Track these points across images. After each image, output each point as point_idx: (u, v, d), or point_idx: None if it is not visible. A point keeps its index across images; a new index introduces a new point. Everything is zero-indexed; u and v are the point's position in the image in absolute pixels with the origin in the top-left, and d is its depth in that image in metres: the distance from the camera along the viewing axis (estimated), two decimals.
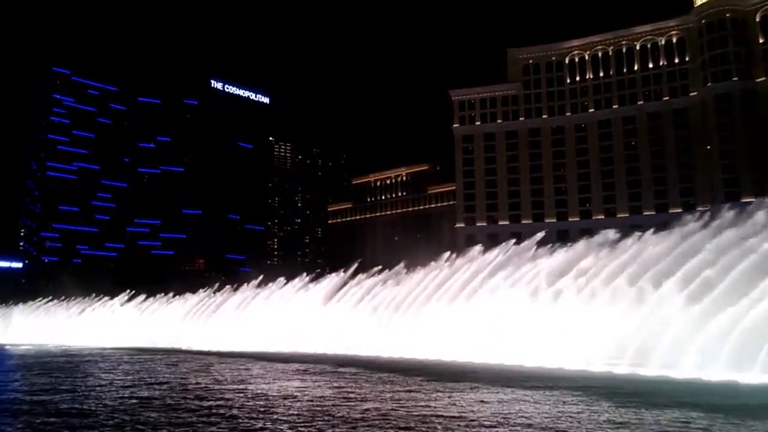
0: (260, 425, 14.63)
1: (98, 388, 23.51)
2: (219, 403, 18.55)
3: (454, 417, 15.59)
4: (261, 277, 67.49)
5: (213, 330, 64.91)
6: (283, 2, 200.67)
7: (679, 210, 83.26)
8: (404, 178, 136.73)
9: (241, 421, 15.17)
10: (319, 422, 14.93)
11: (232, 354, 49.08)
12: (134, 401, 19.62)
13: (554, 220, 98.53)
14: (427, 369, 29.41)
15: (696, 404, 16.80)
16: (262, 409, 17.22)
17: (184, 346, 64.35)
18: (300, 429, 14.08)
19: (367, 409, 16.62)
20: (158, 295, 75.88)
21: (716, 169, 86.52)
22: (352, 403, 17.97)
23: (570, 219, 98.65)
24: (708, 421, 14.59)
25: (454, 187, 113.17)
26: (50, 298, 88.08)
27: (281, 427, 14.35)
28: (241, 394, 20.65)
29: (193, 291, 73.64)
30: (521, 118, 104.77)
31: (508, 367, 29.71)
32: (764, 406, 17.43)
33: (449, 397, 19.11)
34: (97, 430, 14.70)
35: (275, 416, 15.84)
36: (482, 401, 18.38)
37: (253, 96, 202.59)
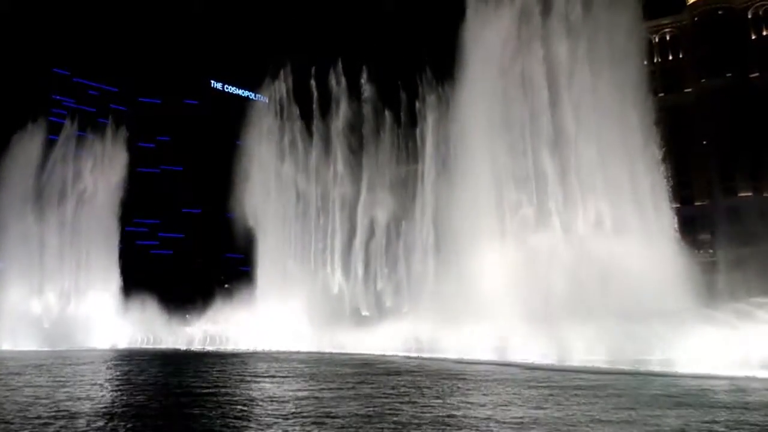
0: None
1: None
2: (215, 406, 18.84)
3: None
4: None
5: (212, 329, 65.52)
6: (283, 3, 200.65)
7: (678, 205, 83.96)
8: None
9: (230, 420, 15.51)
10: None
11: (232, 354, 49.51)
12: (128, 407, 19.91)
13: None
14: None
15: None
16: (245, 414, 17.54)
17: (182, 347, 64.90)
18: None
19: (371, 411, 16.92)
20: None
21: (712, 165, 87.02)
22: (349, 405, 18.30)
23: None
24: None
25: None
26: None
27: None
28: (237, 397, 21.06)
29: (192, 290, 74.66)
30: None
31: None
32: None
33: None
34: None
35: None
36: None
37: (252, 96, 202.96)
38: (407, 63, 70.81)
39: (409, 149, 69.60)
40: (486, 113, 44.04)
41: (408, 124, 67.92)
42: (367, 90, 69.74)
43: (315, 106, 72.20)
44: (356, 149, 69.80)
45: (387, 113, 69.25)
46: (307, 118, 73.16)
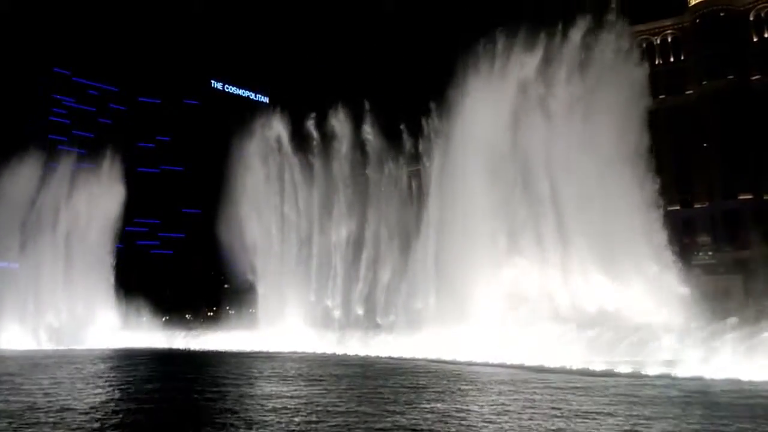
0: None
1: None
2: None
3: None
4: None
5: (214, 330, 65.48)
6: (284, 3, 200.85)
7: (677, 207, 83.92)
8: None
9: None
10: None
11: (235, 354, 49.44)
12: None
13: None
14: None
15: None
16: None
17: (182, 347, 64.76)
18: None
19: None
20: None
21: (713, 167, 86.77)
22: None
23: None
24: None
25: None
26: None
27: None
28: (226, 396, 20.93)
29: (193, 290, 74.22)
30: None
31: None
32: None
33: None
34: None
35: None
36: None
37: (252, 96, 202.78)
38: (411, 102, 69.43)
39: (413, 190, 68.59)
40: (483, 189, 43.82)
41: (410, 164, 66.61)
42: (369, 134, 68.19)
43: (316, 150, 71.01)
44: (359, 187, 68.28)
45: (389, 160, 67.88)
46: (306, 158, 72.00)
